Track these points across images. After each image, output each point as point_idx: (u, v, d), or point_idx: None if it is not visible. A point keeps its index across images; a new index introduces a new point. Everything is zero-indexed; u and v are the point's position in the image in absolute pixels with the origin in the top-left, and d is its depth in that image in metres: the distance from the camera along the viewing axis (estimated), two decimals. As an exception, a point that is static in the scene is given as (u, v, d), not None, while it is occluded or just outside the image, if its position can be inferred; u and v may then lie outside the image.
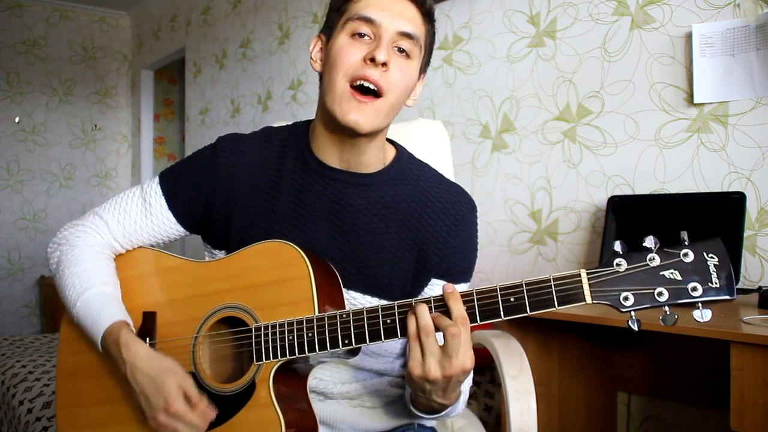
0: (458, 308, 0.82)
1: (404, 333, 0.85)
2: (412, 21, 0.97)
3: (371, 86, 0.93)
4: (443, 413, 0.96)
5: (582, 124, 2.00)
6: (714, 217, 1.59)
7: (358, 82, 0.94)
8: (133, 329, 0.99)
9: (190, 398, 0.92)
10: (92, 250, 1.06)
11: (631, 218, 1.77)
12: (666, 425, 1.82)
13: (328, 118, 0.99)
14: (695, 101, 1.72)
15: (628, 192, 1.87)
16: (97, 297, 1.00)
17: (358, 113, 0.94)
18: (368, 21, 0.94)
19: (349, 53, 0.94)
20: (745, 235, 1.59)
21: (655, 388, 1.80)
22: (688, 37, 1.74)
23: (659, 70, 1.81)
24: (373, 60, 0.93)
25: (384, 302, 1.01)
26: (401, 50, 0.96)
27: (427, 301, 0.85)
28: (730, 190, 1.66)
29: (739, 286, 1.57)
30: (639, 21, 1.86)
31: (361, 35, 0.94)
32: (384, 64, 0.93)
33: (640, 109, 1.86)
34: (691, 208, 1.66)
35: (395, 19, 0.95)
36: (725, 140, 1.68)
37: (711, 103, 1.70)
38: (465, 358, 0.82)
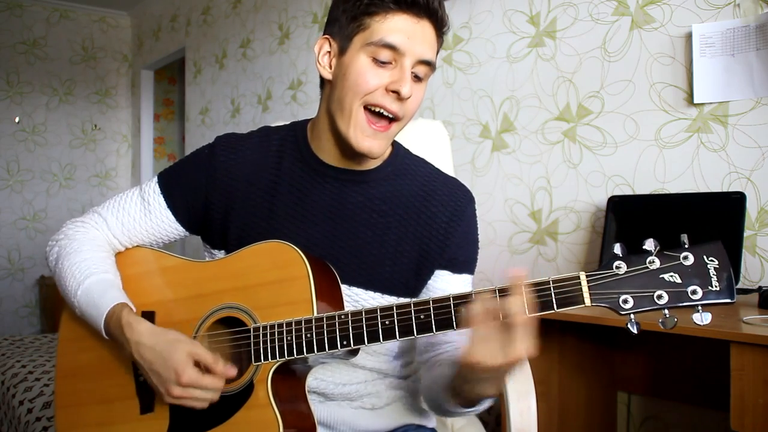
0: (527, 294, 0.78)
1: (405, 334, 0.84)
2: (431, 45, 0.95)
3: (389, 115, 0.94)
4: (481, 406, 0.93)
5: (582, 124, 2.00)
6: (714, 217, 1.59)
7: (375, 108, 0.94)
8: (135, 311, 0.98)
9: (203, 364, 0.90)
10: (92, 243, 1.07)
11: (631, 218, 1.77)
12: (666, 425, 1.82)
13: (336, 132, 0.98)
14: (695, 101, 1.71)
15: (628, 192, 1.87)
16: (98, 284, 1.00)
17: (372, 141, 0.95)
18: (392, 48, 0.92)
19: (371, 79, 0.93)
20: (745, 235, 1.59)
21: (655, 388, 1.79)
22: (688, 37, 1.74)
23: (659, 70, 1.81)
24: (396, 92, 0.92)
25: (387, 297, 1.02)
26: (417, 77, 0.95)
27: (467, 296, 0.81)
28: (730, 190, 1.66)
29: (739, 286, 1.56)
30: (639, 21, 1.86)
31: (383, 62, 0.92)
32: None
33: (640, 109, 1.86)
34: (691, 208, 1.65)
35: (418, 45, 0.93)
36: (725, 140, 1.68)
37: (711, 103, 1.70)
38: (528, 346, 0.77)
